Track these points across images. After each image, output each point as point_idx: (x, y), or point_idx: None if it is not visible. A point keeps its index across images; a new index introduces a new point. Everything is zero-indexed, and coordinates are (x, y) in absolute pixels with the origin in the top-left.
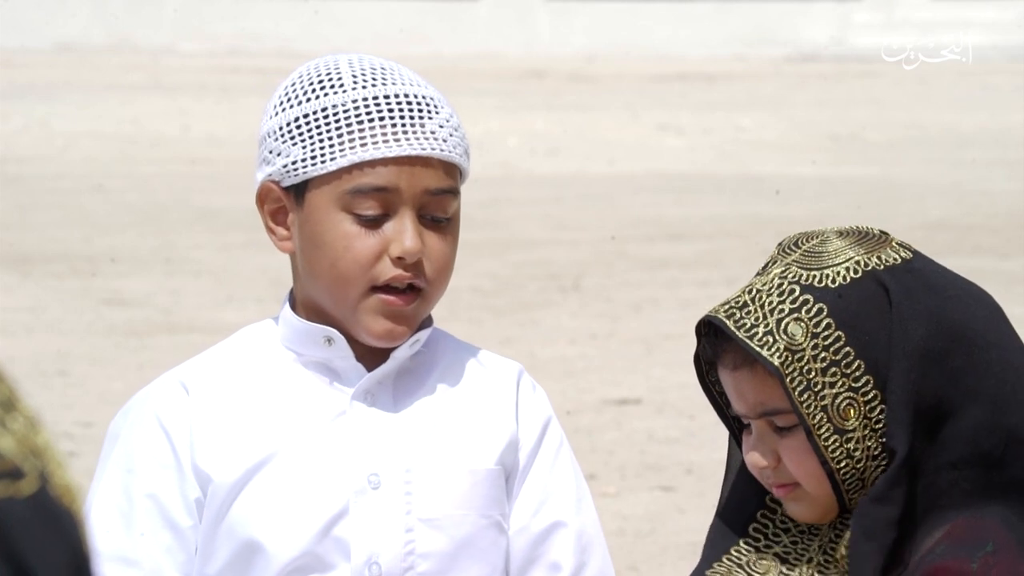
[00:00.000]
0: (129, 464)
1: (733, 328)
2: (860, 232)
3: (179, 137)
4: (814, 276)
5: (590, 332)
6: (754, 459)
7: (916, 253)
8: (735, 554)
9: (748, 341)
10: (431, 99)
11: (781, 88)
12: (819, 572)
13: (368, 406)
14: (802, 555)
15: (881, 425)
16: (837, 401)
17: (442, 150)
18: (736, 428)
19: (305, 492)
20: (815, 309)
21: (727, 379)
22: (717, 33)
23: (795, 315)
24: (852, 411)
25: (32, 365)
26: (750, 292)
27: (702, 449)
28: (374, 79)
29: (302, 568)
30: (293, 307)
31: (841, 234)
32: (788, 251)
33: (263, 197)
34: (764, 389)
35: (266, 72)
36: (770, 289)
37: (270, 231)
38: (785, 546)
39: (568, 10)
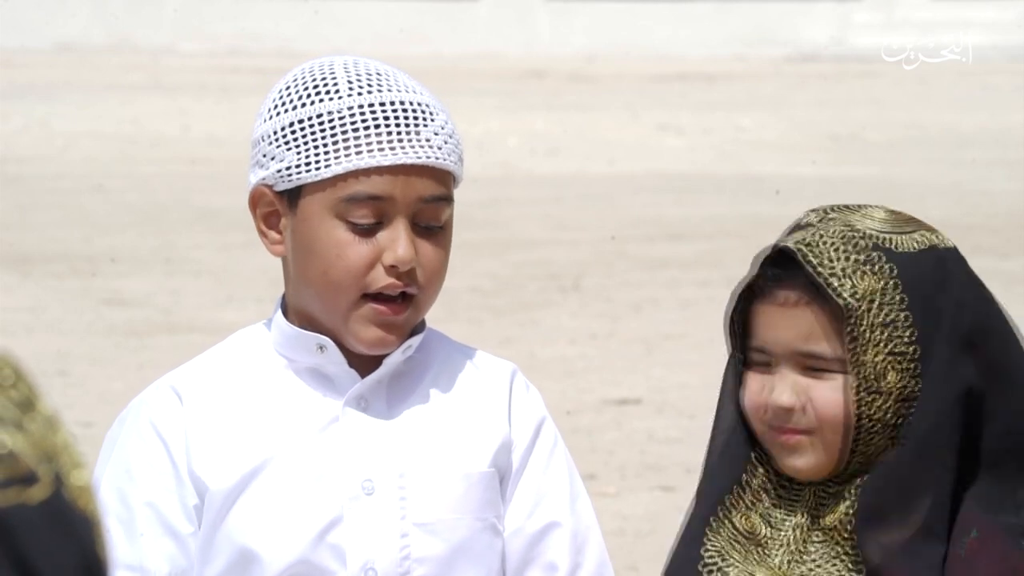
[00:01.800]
0: (127, 473)
1: (812, 261)
2: (905, 214)
3: (179, 137)
4: (883, 238)
5: (590, 332)
6: (781, 398)
7: None
8: (722, 512)
9: (817, 277)
10: (426, 106)
11: (781, 88)
12: (804, 542)
13: (361, 412)
14: (783, 522)
15: (910, 396)
16: (880, 359)
17: (437, 158)
18: (736, 370)
19: (299, 499)
20: (887, 268)
21: (774, 313)
22: (717, 33)
23: (867, 266)
24: (891, 374)
25: (32, 365)
26: (814, 235)
27: (702, 449)
28: (370, 85)
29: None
30: (285, 311)
31: (890, 211)
32: (841, 210)
33: (255, 201)
34: (816, 329)
35: (266, 72)
36: (841, 236)
37: (262, 234)
38: (766, 506)
39: (568, 10)
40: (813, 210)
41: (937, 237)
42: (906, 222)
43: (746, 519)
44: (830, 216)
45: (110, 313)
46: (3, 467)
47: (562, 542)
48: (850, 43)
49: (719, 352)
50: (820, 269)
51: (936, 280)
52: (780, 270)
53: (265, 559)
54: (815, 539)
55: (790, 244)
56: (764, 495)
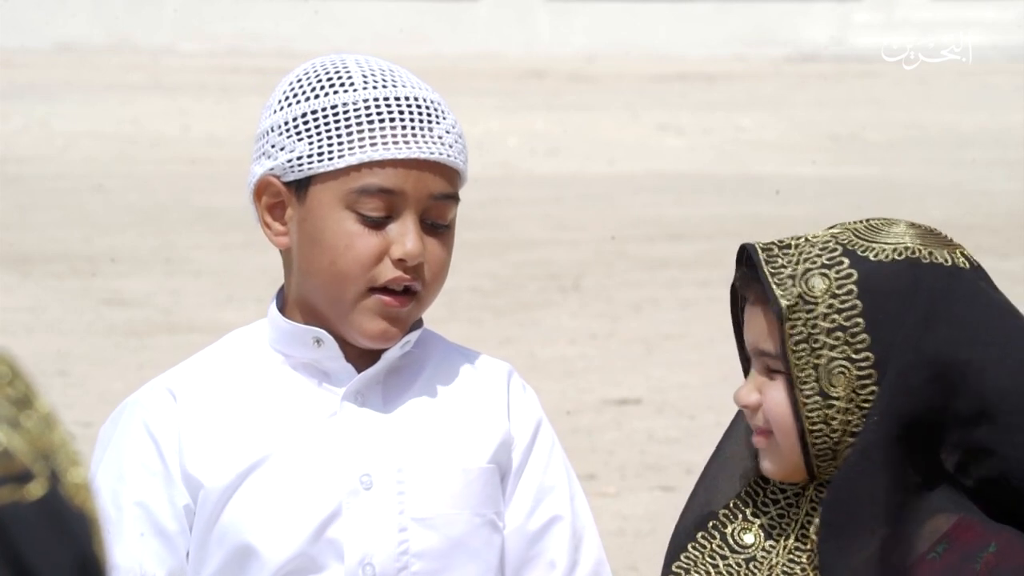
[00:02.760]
0: (118, 473)
1: (763, 260)
2: (932, 230)
3: (179, 137)
4: (861, 245)
5: (590, 332)
6: (740, 395)
7: (977, 271)
8: (722, 518)
9: (769, 277)
10: (439, 104)
11: (781, 88)
12: (796, 550)
13: (359, 406)
14: (784, 530)
15: (868, 404)
16: (831, 365)
17: (448, 155)
18: (746, 366)
19: (297, 494)
20: (845, 272)
21: (747, 312)
22: (717, 33)
23: (824, 270)
24: (843, 380)
25: (32, 365)
26: (798, 238)
27: (702, 449)
28: (384, 80)
29: (296, 570)
30: (282, 308)
31: (913, 225)
32: (855, 222)
33: (261, 191)
34: (767, 328)
35: (266, 72)
36: (816, 241)
37: (265, 225)
38: (772, 518)
39: (568, 10)
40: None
41: (929, 252)
42: (911, 235)
43: (743, 531)
44: (853, 225)
45: (110, 313)
46: None
47: (562, 540)
48: (850, 43)
49: (719, 352)
50: (770, 269)
51: (902, 289)
52: (748, 269)
53: (263, 554)
54: (804, 548)
55: (756, 245)
56: (772, 505)
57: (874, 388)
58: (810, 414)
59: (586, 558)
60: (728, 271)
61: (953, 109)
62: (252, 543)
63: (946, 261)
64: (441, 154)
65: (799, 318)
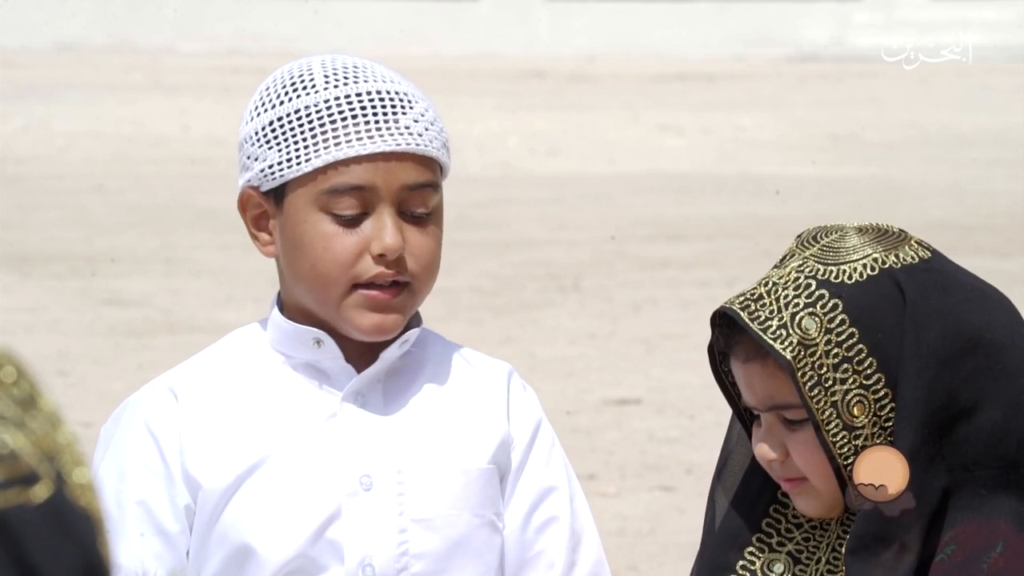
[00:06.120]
0: (119, 472)
1: (747, 320)
2: (879, 229)
3: (179, 137)
4: (831, 271)
5: (590, 332)
6: (763, 452)
7: (935, 252)
8: (749, 557)
9: (761, 334)
10: (404, 94)
11: (781, 88)
12: (828, 573)
13: (359, 407)
14: (813, 553)
15: (891, 423)
16: (847, 397)
17: (417, 144)
18: (748, 419)
19: (297, 495)
20: (830, 304)
21: (738, 371)
22: (717, 33)
23: (810, 309)
24: (862, 408)
25: (32, 365)
26: (766, 285)
27: (702, 449)
28: (346, 78)
29: (296, 571)
30: (281, 309)
31: (861, 230)
32: (806, 245)
33: (244, 203)
34: (775, 382)
35: (266, 72)
36: (786, 283)
37: (253, 237)
38: (798, 543)
39: (568, 10)
40: (800, 235)
41: (895, 256)
42: (868, 243)
43: (773, 562)
44: (793, 252)
45: (110, 313)
46: (4, 467)
47: (562, 540)
48: (850, 43)
49: None
50: (759, 326)
51: (888, 304)
52: (731, 329)
53: (263, 555)
54: (837, 570)
55: (732, 306)
56: (796, 529)
57: (892, 405)
58: (841, 451)
59: (585, 558)
60: (728, 271)
61: (953, 109)
62: (252, 544)
63: (913, 259)
64: (408, 144)
65: (805, 364)
